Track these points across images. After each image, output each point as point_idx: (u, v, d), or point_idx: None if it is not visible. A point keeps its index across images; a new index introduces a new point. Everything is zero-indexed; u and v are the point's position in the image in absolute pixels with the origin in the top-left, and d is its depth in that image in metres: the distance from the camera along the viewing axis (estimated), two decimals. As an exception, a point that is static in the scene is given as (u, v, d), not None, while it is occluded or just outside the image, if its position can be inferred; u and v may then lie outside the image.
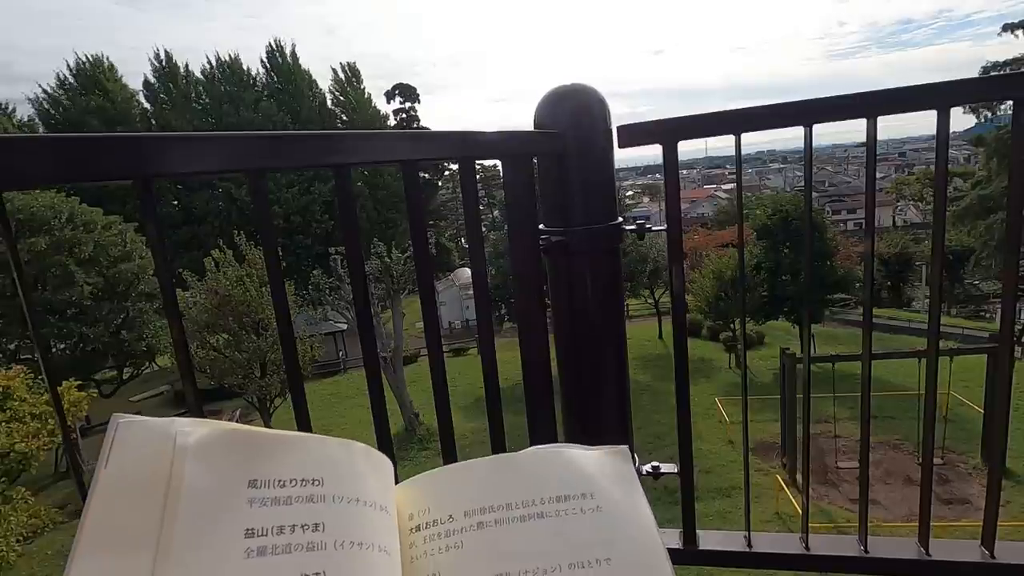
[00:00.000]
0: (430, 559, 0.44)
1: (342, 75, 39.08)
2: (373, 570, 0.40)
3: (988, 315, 29.23)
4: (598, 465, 0.50)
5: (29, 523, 9.66)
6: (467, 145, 0.84)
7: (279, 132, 0.61)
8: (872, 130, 0.96)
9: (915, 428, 11.07)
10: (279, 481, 0.40)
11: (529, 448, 0.53)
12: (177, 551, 0.35)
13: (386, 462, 0.48)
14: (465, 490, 0.47)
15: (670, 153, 1.03)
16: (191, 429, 0.39)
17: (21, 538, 9.58)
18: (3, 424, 9.34)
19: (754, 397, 15.68)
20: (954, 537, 1.12)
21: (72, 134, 0.48)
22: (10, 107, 30.17)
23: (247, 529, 0.37)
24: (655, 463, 1.19)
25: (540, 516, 0.45)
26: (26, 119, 30.84)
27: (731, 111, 0.99)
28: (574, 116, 1.02)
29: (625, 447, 0.52)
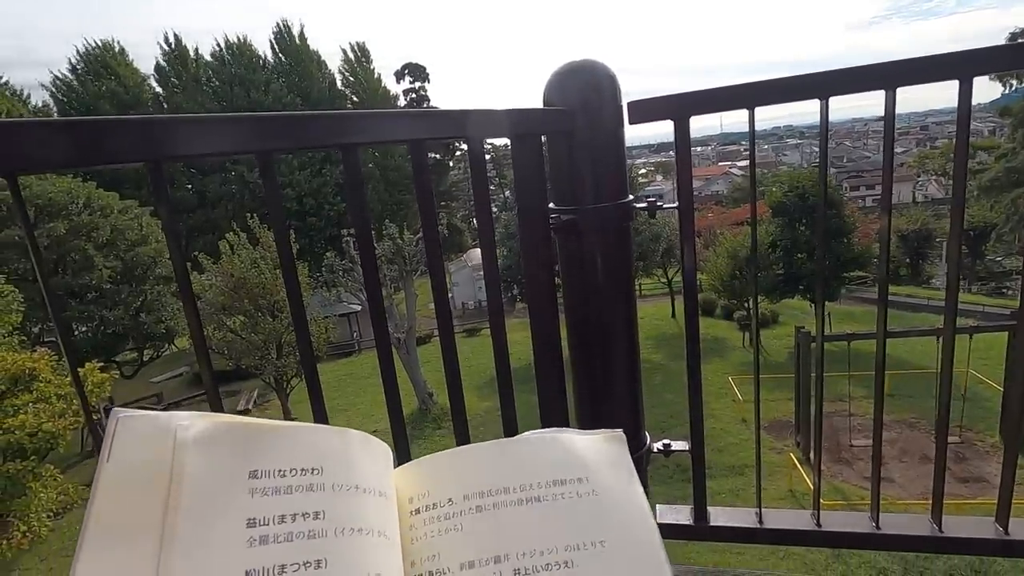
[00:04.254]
0: (430, 541, 0.45)
1: (352, 55, 38.79)
2: (373, 555, 0.41)
3: (1010, 292, 28.65)
4: (593, 450, 0.51)
5: (59, 500, 9.99)
6: (475, 124, 0.83)
7: (287, 113, 0.61)
8: (891, 102, 0.93)
9: (932, 407, 10.99)
10: (279, 471, 0.40)
11: (527, 432, 0.54)
12: (181, 542, 0.36)
13: (384, 448, 0.49)
14: (464, 474, 0.48)
15: (682, 129, 1.01)
16: (190, 422, 0.40)
17: (51, 513, 9.93)
18: (31, 405, 9.61)
19: (768, 376, 15.61)
20: (972, 515, 1.12)
21: (83, 118, 0.49)
22: (25, 93, 30.40)
23: (249, 518, 0.38)
24: (666, 441, 1.20)
25: (537, 500, 0.46)
26: (41, 104, 31.09)
27: (744, 84, 0.97)
28: (583, 93, 1.00)
29: (620, 431, 0.53)
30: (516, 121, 0.93)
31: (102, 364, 12.62)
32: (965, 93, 0.89)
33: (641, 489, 0.49)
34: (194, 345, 0.63)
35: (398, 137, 0.73)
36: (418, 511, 0.47)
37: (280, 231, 0.64)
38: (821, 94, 0.94)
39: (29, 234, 0.52)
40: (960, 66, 0.88)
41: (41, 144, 0.46)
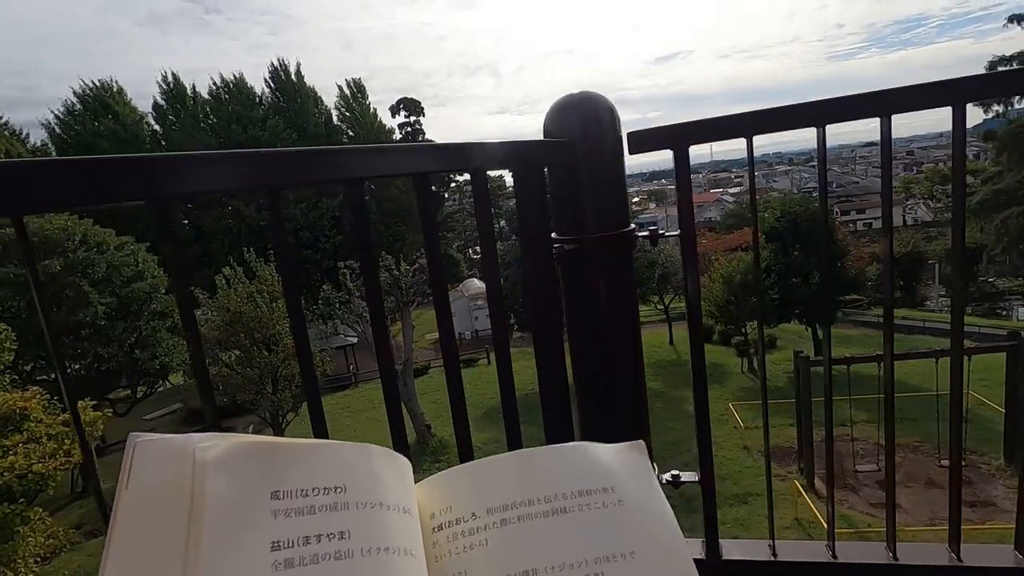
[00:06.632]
0: (455, 558, 0.43)
1: (347, 91, 39.51)
2: (400, 574, 0.39)
3: (1004, 312, 28.82)
4: (616, 460, 0.50)
5: (47, 544, 9.70)
6: (478, 156, 0.84)
7: (293, 149, 0.61)
8: (887, 129, 0.95)
9: (935, 429, 10.89)
10: (302, 491, 0.39)
11: (547, 445, 0.52)
12: (204, 568, 0.34)
13: (405, 463, 0.47)
14: (486, 487, 0.47)
15: (681, 158, 1.02)
16: (209, 444, 0.39)
17: (39, 558, 9.63)
18: (21, 445, 9.40)
19: (768, 401, 15.47)
20: (982, 541, 1.09)
21: (89, 156, 0.48)
22: (24, 132, 30.62)
23: (273, 541, 0.36)
24: (675, 472, 1.18)
25: (563, 511, 0.45)
26: (39, 143, 31.34)
27: (742, 114, 0.98)
28: (583, 125, 1.02)
29: (641, 442, 0.52)
30: (517, 153, 0.94)
31: (95, 402, 12.44)
32: (959, 118, 0.91)
33: (664, 498, 0.48)
34: (195, 376, 0.62)
35: (402, 171, 0.73)
36: (440, 527, 0.45)
37: (286, 266, 0.64)
38: (817, 123, 0.96)
39: (32, 270, 0.51)
40: (952, 92, 0.90)
41: (50, 183, 0.46)
